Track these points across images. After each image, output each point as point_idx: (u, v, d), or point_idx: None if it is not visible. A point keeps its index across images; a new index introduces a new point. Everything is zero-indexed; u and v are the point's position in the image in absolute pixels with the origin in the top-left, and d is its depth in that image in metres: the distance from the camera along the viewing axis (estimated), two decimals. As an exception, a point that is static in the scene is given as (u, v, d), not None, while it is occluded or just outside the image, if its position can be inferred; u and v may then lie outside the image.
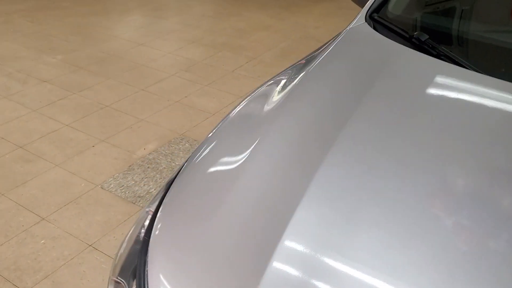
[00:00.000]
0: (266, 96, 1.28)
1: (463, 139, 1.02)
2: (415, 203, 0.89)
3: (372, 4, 1.50)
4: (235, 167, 1.05)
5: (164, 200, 1.06)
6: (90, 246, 2.03)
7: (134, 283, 0.91)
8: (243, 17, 4.76)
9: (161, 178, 2.45)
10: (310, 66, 1.31)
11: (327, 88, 1.21)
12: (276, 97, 1.24)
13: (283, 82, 1.31)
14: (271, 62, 3.79)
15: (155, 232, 0.98)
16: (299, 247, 0.85)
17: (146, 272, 0.90)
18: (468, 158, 0.98)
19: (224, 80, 3.48)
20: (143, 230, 1.02)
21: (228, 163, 1.08)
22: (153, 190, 2.37)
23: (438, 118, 1.09)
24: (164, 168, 2.53)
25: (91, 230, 2.11)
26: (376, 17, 1.45)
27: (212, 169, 1.10)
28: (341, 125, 1.05)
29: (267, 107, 1.21)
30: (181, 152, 2.66)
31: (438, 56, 1.25)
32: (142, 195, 2.33)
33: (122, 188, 2.38)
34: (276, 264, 0.83)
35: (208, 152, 1.16)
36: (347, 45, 1.39)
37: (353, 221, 0.87)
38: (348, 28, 1.46)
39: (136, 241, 1.00)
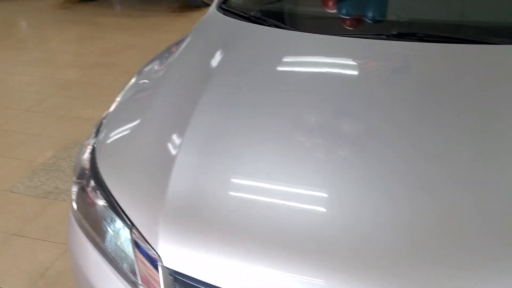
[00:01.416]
0: (154, 69, 1.78)
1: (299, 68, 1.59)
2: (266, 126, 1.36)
3: (220, -2, 2.07)
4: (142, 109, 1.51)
5: (101, 127, 1.50)
6: (15, 235, 2.30)
7: (91, 182, 1.32)
8: (109, 39, 5.12)
9: (65, 176, 2.76)
10: (183, 44, 1.83)
11: (201, 55, 1.73)
12: (161, 70, 1.74)
13: (163, 60, 1.82)
14: (143, 72, 4.22)
15: (98, 146, 1.41)
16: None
17: (98, 170, 1.32)
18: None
19: (104, 93, 3.84)
20: (91, 146, 1.44)
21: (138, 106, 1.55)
22: (61, 185, 2.67)
23: (280, 56, 1.67)
24: (66, 168, 2.84)
25: (11, 224, 2.38)
26: (224, 7, 2.01)
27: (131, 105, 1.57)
28: (209, 77, 1.55)
29: (156, 75, 1.71)
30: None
31: (269, 25, 1.84)
32: (51, 190, 2.63)
33: (31, 188, 2.65)
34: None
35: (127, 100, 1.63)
36: (207, 25, 1.93)
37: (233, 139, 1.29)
38: (205, 16, 2.01)
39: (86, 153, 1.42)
